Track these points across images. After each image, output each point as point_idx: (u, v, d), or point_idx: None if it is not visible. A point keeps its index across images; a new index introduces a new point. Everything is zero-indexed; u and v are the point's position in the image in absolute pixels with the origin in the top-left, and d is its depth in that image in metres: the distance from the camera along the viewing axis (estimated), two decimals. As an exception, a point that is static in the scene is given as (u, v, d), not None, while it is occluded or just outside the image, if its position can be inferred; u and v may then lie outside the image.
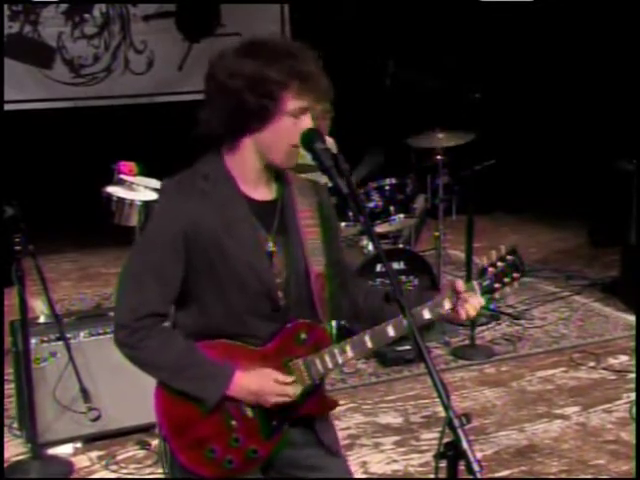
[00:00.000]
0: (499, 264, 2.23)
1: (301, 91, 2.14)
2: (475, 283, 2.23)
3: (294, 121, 2.17)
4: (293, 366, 2.29)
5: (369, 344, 2.25)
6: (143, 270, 2.20)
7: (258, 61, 2.12)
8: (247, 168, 2.23)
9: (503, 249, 2.27)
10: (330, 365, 2.27)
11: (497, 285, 2.22)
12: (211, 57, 2.21)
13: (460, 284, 2.20)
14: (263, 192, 2.28)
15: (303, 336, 2.30)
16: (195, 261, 2.19)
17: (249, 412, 2.26)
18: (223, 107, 2.15)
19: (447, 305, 2.22)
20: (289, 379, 2.26)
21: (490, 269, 2.22)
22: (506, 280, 2.23)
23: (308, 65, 2.15)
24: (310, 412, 2.36)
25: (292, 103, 2.15)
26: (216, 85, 2.16)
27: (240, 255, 2.20)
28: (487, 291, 2.22)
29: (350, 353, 2.26)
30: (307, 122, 2.18)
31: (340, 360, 2.27)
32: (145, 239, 2.26)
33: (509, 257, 2.24)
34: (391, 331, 2.22)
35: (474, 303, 2.20)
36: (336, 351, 2.27)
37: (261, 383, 2.23)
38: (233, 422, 2.25)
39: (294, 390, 2.26)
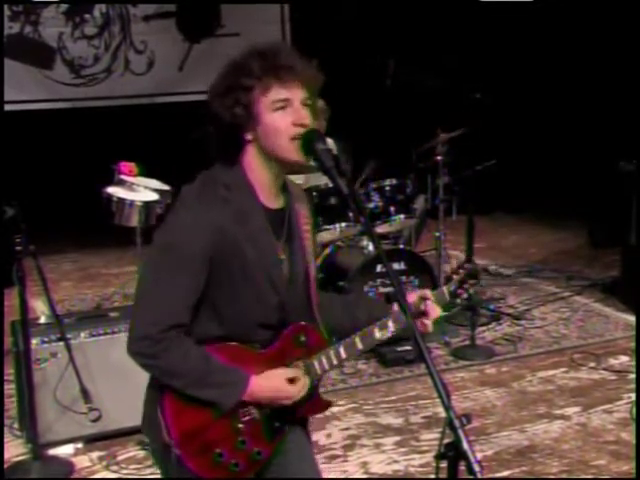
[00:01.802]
0: (460, 271, 2.47)
1: (270, 85, 2.15)
2: (444, 288, 2.45)
3: (281, 115, 2.17)
4: (294, 368, 2.33)
5: (359, 345, 2.36)
6: (170, 281, 2.17)
7: (227, 76, 2.19)
8: (261, 176, 2.25)
9: (462, 258, 2.52)
10: (326, 366, 2.35)
11: (460, 291, 2.46)
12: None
13: (428, 292, 2.39)
14: (275, 201, 2.30)
15: (302, 338, 2.35)
16: (216, 270, 2.19)
17: (255, 414, 2.28)
18: (215, 129, 2.22)
19: (392, 327, 2.37)
20: (298, 373, 2.31)
21: (454, 276, 2.47)
22: (465, 286, 2.46)
23: (277, 58, 2.16)
24: (308, 413, 2.43)
25: (266, 99, 2.16)
26: (208, 114, 2.23)
27: (260, 266, 2.22)
28: (453, 295, 2.46)
29: (343, 354, 2.35)
30: (296, 111, 2.18)
31: (335, 362, 2.36)
32: (170, 248, 2.19)
33: (466, 265, 2.49)
34: (377, 333, 2.35)
35: (433, 311, 2.37)
36: (331, 352, 2.35)
37: (275, 388, 2.26)
38: (240, 425, 2.26)
39: (304, 386, 2.31)
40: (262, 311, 2.26)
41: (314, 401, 2.40)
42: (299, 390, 2.29)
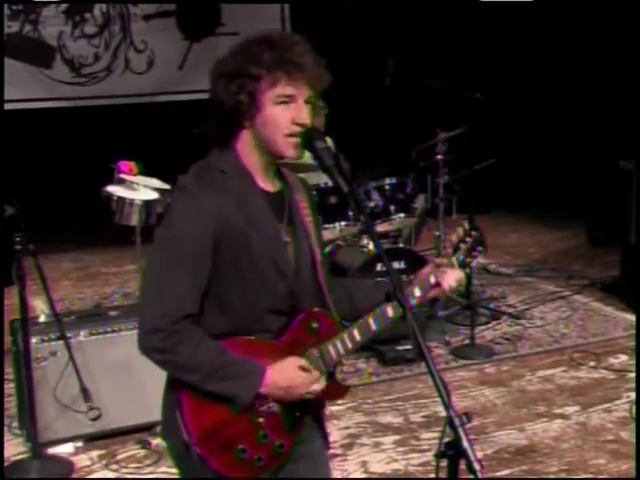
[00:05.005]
0: (467, 239, 2.43)
1: (278, 79, 2.14)
2: (453, 258, 2.40)
3: (282, 109, 2.17)
4: (309, 356, 2.29)
5: (373, 326, 2.30)
6: (176, 271, 2.14)
7: (236, 58, 2.17)
8: (255, 161, 2.24)
9: (467, 225, 2.47)
10: (342, 351, 2.30)
11: (468, 259, 2.43)
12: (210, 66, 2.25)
13: (439, 259, 2.40)
14: (272, 184, 2.30)
15: (314, 325, 2.31)
16: (221, 258, 2.17)
17: (275, 407, 2.26)
18: (214, 110, 2.20)
19: (432, 279, 2.35)
20: (310, 364, 2.27)
21: (462, 245, 2.42)
22: (474, 254, 2.44)
23: (289, 53, 2.15)
24: (326, 399, 2.40)
25: (272, 92, 2.15)
26: (209, 92, 2.21)
27: (264, 251, 2.21)
28: (461, 265, 2.42)
29: (358, 337, 2.30)
30: (299, 110, 2.18)
31: (350, 346, 2.31)
32: (173, 239, 2.17)
33: (473, 233, 2.45)
34: (390, 312, 2.29)
35: (453, 275, 2.37)
36: (346, 337, 2.30)
37: (290, 379, 2.23)
38: (260, 419, 2.24)
39: (320, 381, 2.28)
40: (271, 297, 2.23)
41: (332, 387, 2.36)
42: (314, 378, 2.25)
